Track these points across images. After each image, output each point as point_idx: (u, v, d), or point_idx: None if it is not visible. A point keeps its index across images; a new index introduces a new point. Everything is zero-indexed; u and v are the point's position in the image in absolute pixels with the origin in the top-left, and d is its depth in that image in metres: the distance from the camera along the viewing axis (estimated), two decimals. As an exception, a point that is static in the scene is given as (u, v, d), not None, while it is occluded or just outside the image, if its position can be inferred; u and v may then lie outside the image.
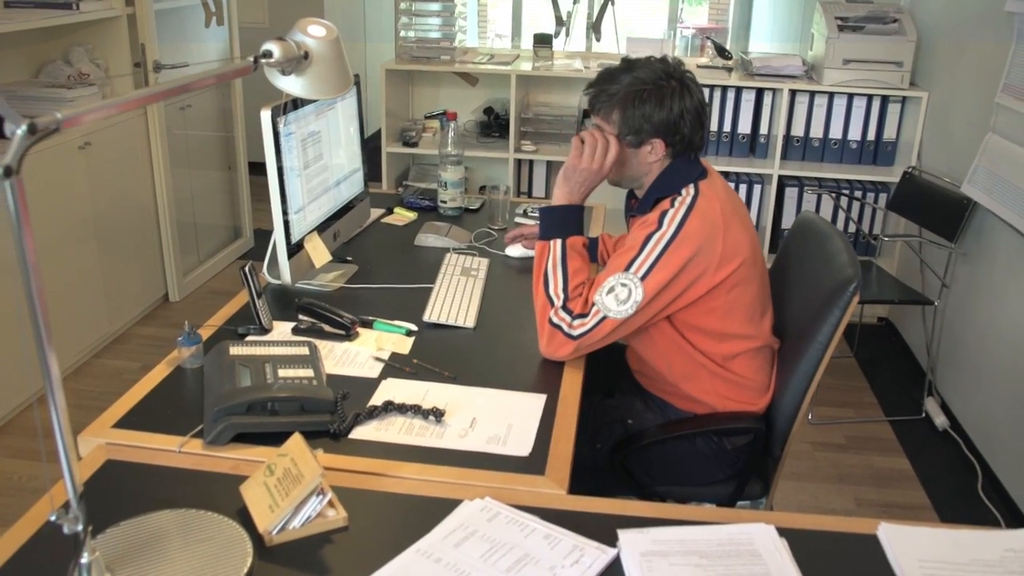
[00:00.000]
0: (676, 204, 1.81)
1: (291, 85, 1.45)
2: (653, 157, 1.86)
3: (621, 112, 1.83)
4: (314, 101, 2.02)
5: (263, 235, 4.96)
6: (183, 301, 4.18)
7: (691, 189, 1.83)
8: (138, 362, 3.57)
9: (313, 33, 1.43)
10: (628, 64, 1.87)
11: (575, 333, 1.76)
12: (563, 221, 1.88)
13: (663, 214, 1.80)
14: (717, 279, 1.80)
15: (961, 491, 2.93)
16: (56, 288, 3.28)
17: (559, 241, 1.85)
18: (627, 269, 1.76)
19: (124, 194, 3.71)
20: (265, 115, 1.83)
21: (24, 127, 0.92)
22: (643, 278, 1.75)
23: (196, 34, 4.19)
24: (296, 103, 1.94)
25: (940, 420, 3.28)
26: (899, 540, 1.31)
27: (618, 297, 1.75)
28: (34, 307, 0.97)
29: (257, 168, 5.05)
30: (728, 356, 1.89)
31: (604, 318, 1.75)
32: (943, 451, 3.16)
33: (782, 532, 1.31)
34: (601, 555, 1.24)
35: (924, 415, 3.36)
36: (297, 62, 1.41)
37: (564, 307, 1.78)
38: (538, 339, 1.81)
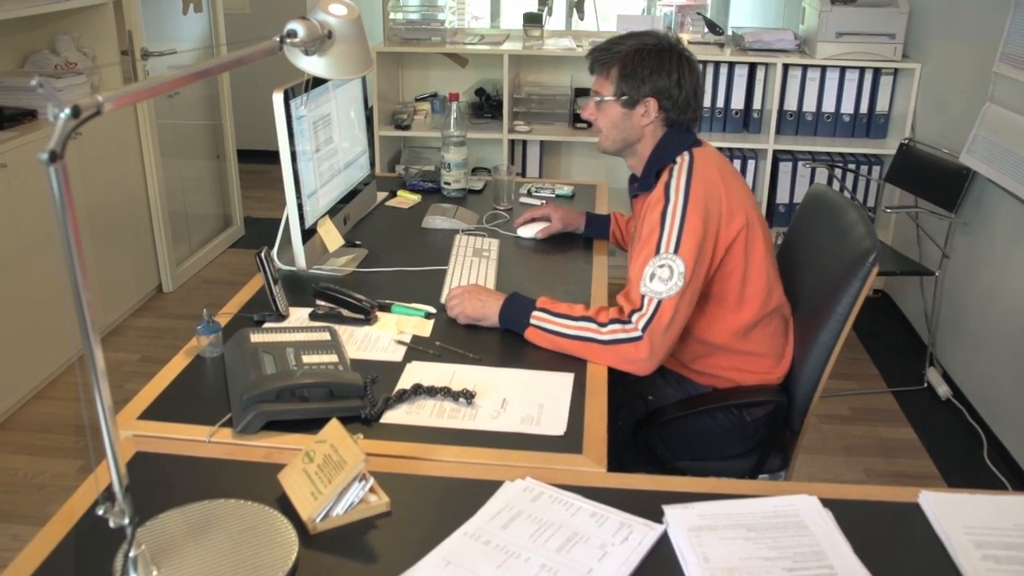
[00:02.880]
0: (675, 172, 1.83)
1: (313, 65, 1.42)
2: (646, 120, 1.89)
3: (620, 68, 1.88)
4: (323, 83, 1.99)
5: (253, 223, 4.92)
6: (177, 291, 4.14)
7: (685, 155, 1.87)
8: (136, 354, 3.53)
9: (335, 12, 1.41)
10: (633, 33, 1.92)
11: (640, 326, 1.72)
12: (516, 312, 1.81)
13: (666, 185, 1.82)
14: (731, 234, 1.81)
15: (967, 459, 2.96)
16: (49, 282, 3.23)
17: (530, 326, 1.78)
18: (657, 252, 1.76)
19: (115, 184, 3.66)
20: (277, 98, 1.80)
21: (68, 111, 0.89)
22: (676, 250, 1.75)
23: (174, 22, 4.12)
24: (306, 85, 1.90)
25: (943, 390, 3.30)
26: (942, 508, 1.30)
27: (662, 278, 1.74)
28: (79, 298, 0.94)
29: (245, 156, 5.03)
30: (746, 326, 1.89)
31: (660, 302, 1.73)
32: (947, 420, 3.18)
33: (825, 503, 1.31)
34: (649, 531, 1.23)
35: (926, 385, 3.38)
36: (320, 42, 1.38)
37: (603, 326, 1.74)
38: (619, 370, 1.75)
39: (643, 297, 1.74)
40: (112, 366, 3.42)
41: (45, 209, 3.15)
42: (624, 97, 1.88)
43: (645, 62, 1.85)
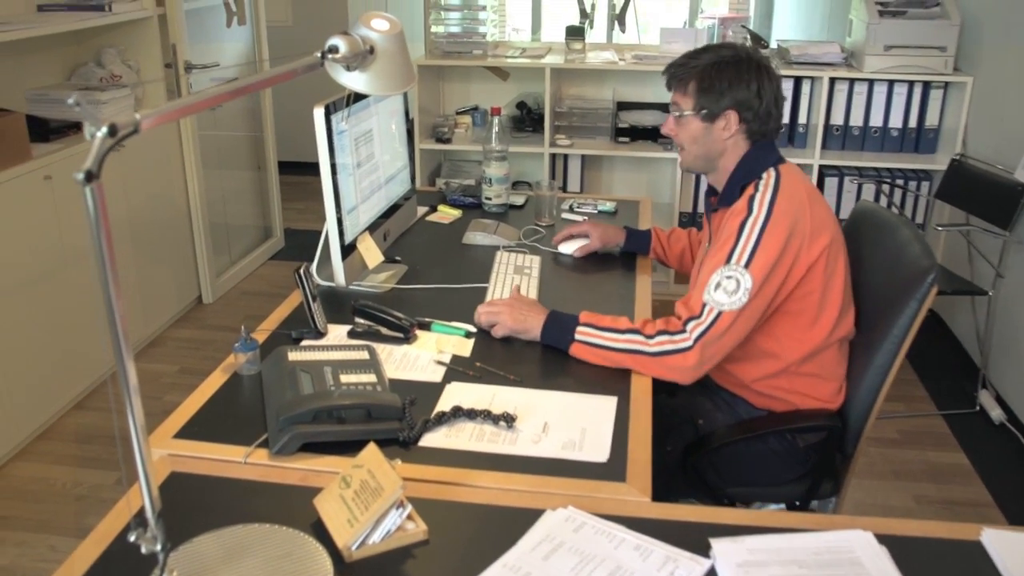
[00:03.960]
0: (761, 188, 1.79)
1: (355, 81, 1.39)
2: (727, 132, 1.84)
3: (698, 83, 1.83)
4: (365, 98, 1.97)
5: (293, 235, 4.93)
6: (216, 303, 4.15)
7: (772, 172, 1.82)
8: (175, 365, 3.54)
9: (377, 27, 1.38)
10: (709, 46, 1.88)
11: (694, 335, 1.69)
12: (560, 329, 1.78)
13: (751, 199, 1.78)
14: (812, 256, 1.76)
15: (1023, 486, 2.85)
16: (91, 293, 3.25)
17: (575, 342, 1.75)
18: (728, 261, 1.72)
19: (157, 196, 3.68)
20: (318, 113, 1.78)
21: (105, 129, 0.87)
22: (747, 265, 1.71)
23: (218, 34, 4.15)
24: (347, 100, 1.88)
25: (996, 413, 3.20)
26: (1007, 548, 1.24)
27: (727, 290, 1.70)
28: (113, 318, 0.92)
29: (286, 167, 5.05)
30: (817, 348, 1.84)
31: (720, 313, 1.69)
32: (1001, 445, 3.08)
33: (880, 539, 1.25)
34: (696, 566, 1.18)
35: (978, 408, 3.27)
36: (363, 57, 1.35)
37: (651, 337, 1.70)
38: (665, 380, 1.72)
39: (704, 305, 1.71)
40: (151, 377, 3.43)
41: (79, 217, 3.16)
42: (703, 111, 1.84)
43: (723, 74, 1.81)
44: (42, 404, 3.05)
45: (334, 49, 1.30)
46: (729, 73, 1.81)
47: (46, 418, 3.08)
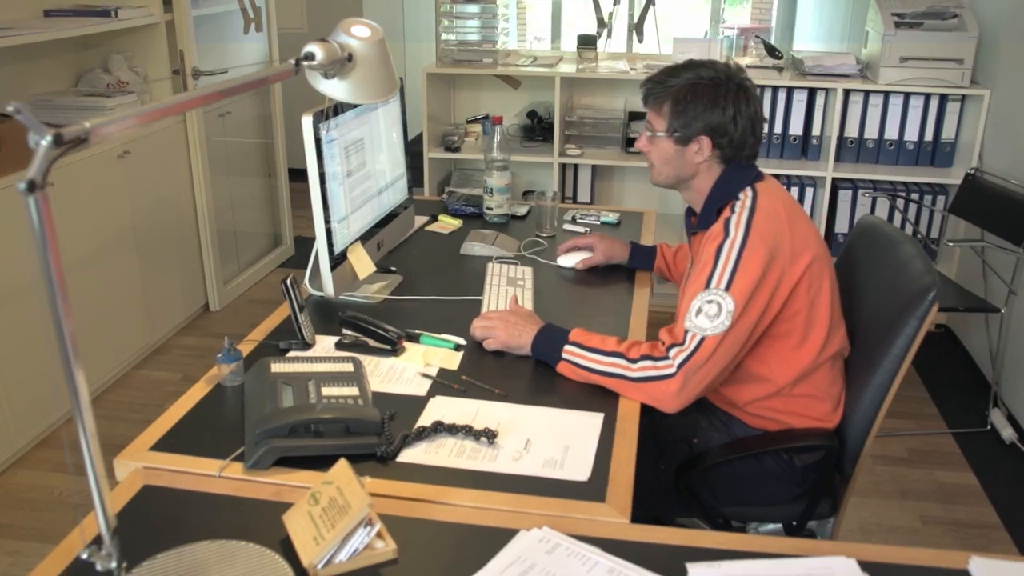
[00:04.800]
0: (737, 209, 1.75)
1: (334, 89, 1.37)
2: (700, 157, 1.80)
3: (672, 104, 1.79)
4: (356, 106, 1.95)
5: (303, 242, 4.92)
6: (224, 311, 4.14)
7: (748, 192, 1.78)
8: (178, 373, 3.53)
9: (357, 34, 1.36)
10: (690, 63, 1.82)
11: (676, 362, 1.64)
12: (549, 345, 1.75)
13: (727, 221, 1.73)
14: (795, 276, 1.71)
15: (1033, 508, 2.79)
16: (96, 299, 3.25)
17: (562, 360, 1.72)
18: (708, 286, 1.68)
19: (164, 202, 3.68)
20: (306, 121, 1.76)
21: (49, 138, 0.84)
22: (727, 288, 1.66)
23: (235, 40, 4.16)
24: (338, 108, 1.86)
25: (1007, 433, 3.13)
26: (995, 576, 1.19)
27: (708, 314, 1.65)
28: (61, 330, 0.90)
29: (297, 174, 5.03)
30: (808, 368, 1.80)
31: (703, 339, 1.64)
32: (1012, 466, 3.01)
33: (864, 566, 1.20)
34: (671, 593, 1.14)
35: (990, 427, 3.21)
36: (340, 64, 1.33)
37: (634, 362, 1.66)
38: (651, 405, 1.67)
39: (686, 332, 1.66)
40: (154, 385, 3.43)
41: (90, 228, 3.17)
42: (676, 134, 1.79)
43: (698, 99, 1.76)
44: (42, 411, 3.05)
45: (310, 56, 1.28)
46: (705, 97, 1.76)
47: (46, 425, 3.07)
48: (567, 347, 1.71)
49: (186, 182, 3.83)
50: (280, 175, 4.63)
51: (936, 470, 2.97)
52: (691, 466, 1.87)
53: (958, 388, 3.51)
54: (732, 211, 1.75)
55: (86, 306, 3.18)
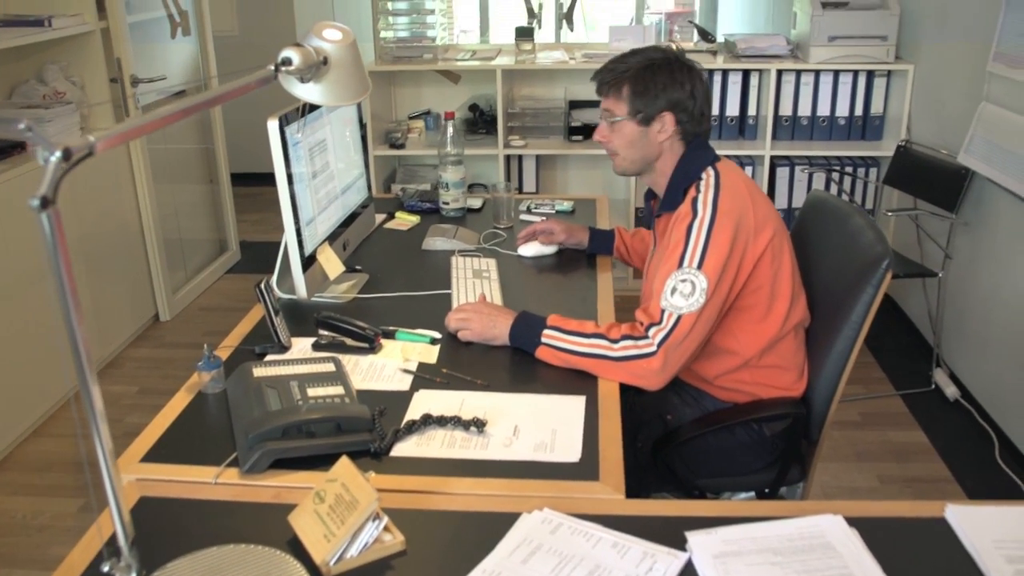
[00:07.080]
0: (703, 188, 1.81)
1: (309, 93, 1.38)
2: (663, 135, 1.86)
3: (631, 86, 1.84)
4: (317, 108, 1.96)
5: (249, 247, 4.88)
6: (174, 320, 4.09)
7: (711, 171, 1.84)
8: (135, 386, 3.48)
9: (330, 37, 1.37)
10: (635, 51, 1.89)
11: (656, 340, 1.69)
12: (527, 331, 1.79)
13: (694, 201, 1.79)
14: (758, 250, 1.78)
15: (980, 460, 2.92)
16: (43, 314, 3.18)
17: (541, 345, 1.76)
18: (680, 265, 1.73)
19: (108, 213, 3.62)
20: (272, 125, 1.76)
21: (59, 154, 0.85)
22: (700, 266, 1.72)
23: (163, 46, 4.09)
24: (303, 110, 1.87)
25: (951, 391, 3.27)
26: (970, 522, 1.27)
27: (683, 293, 1.71)
28: (76, 344, 0.90)
29: (239, 179, 5.00)
30: (773, 339, 1.87)
31: (679, 317, 1.70)
32: (957, 422, 3.15)
33: (849, 521, 1.27)
34: (674, 560, 1.19)
35: (934, 387, 3.35)
36: (316, 68, 1.35)
37: (615, 342, 1.70)
38: (633, 386, 1.72)
39: (663, 311, 1.72)
40: (111, 399, 3.37)
41: (37, 243, 3.11)
42: (639, 115, 1.85)
43: (657, 77, 1.82)
44: (-3, 433, 2.99)
45: (287, 61, 1.30)
46: (663, 75, 1.82)
47: (2, 447, 3.01)
48: (546, 331, 1.75)
49: (129, 191, 3.77)
50: (222, 180, 4.58)
51: (888, 431, 3.09)
52: (666, 442, 1.93)
53: (902, 352, 3.65)
54: (698, 191, 1.81)
55: (33, 323, 3.11)
